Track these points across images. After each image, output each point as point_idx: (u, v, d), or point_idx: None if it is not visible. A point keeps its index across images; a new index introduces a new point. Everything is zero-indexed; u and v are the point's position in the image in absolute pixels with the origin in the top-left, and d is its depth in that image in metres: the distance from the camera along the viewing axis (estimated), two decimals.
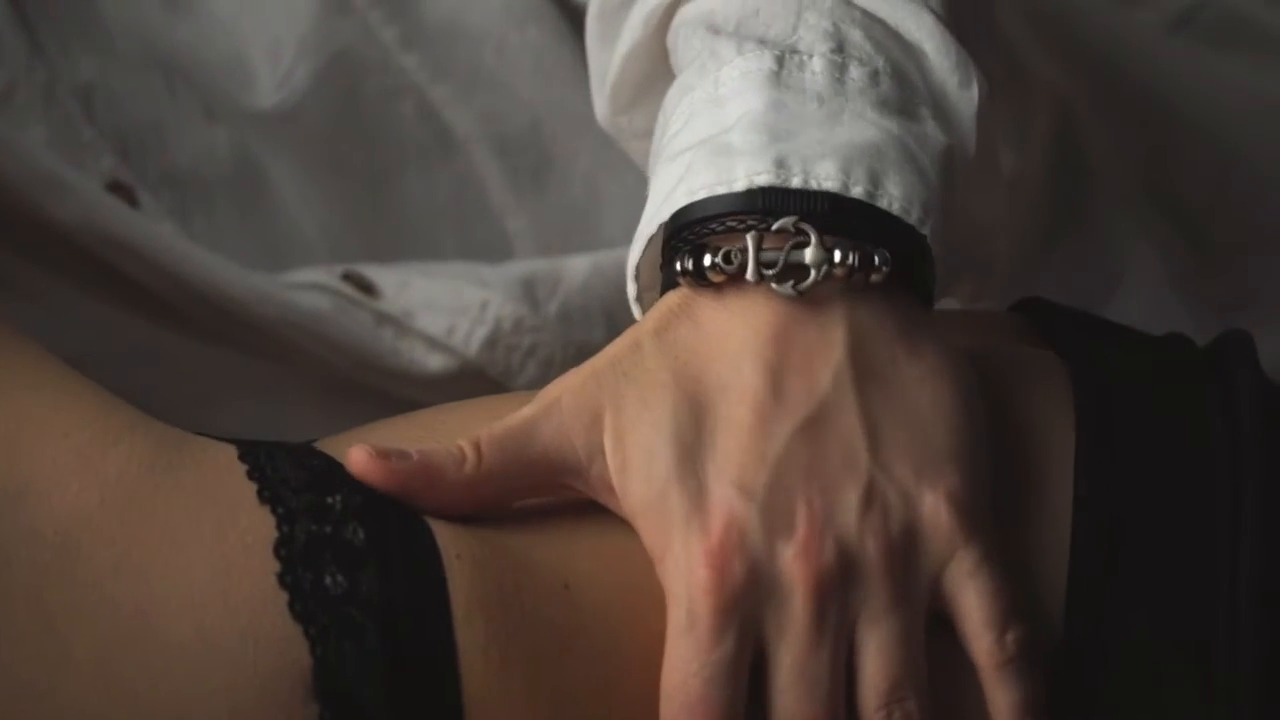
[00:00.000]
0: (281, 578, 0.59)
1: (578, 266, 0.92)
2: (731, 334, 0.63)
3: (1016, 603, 0.62)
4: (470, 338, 0.89)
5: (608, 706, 0.62)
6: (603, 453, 0.62)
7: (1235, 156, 1.02)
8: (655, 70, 0.74)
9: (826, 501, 0.61)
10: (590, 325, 0.91)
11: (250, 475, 0.61)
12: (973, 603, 0.61)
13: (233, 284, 0.85)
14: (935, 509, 0.61)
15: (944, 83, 0.68)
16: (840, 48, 0.67)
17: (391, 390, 0.88)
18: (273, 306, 0.86)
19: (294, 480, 0.61)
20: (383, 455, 0.61)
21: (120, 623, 0.57)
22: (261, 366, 0.87)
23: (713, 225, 0.63)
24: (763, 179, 0.63)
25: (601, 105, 0.78)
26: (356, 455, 0.62)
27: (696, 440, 0.61)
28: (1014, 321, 0.75)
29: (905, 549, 0.61)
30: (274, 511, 0.60)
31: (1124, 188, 1.02)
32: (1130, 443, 0.65)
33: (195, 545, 0.59)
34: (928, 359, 0.63)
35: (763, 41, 0.67)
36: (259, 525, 0.60)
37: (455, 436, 0.64)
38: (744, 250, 0.62)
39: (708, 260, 0.63)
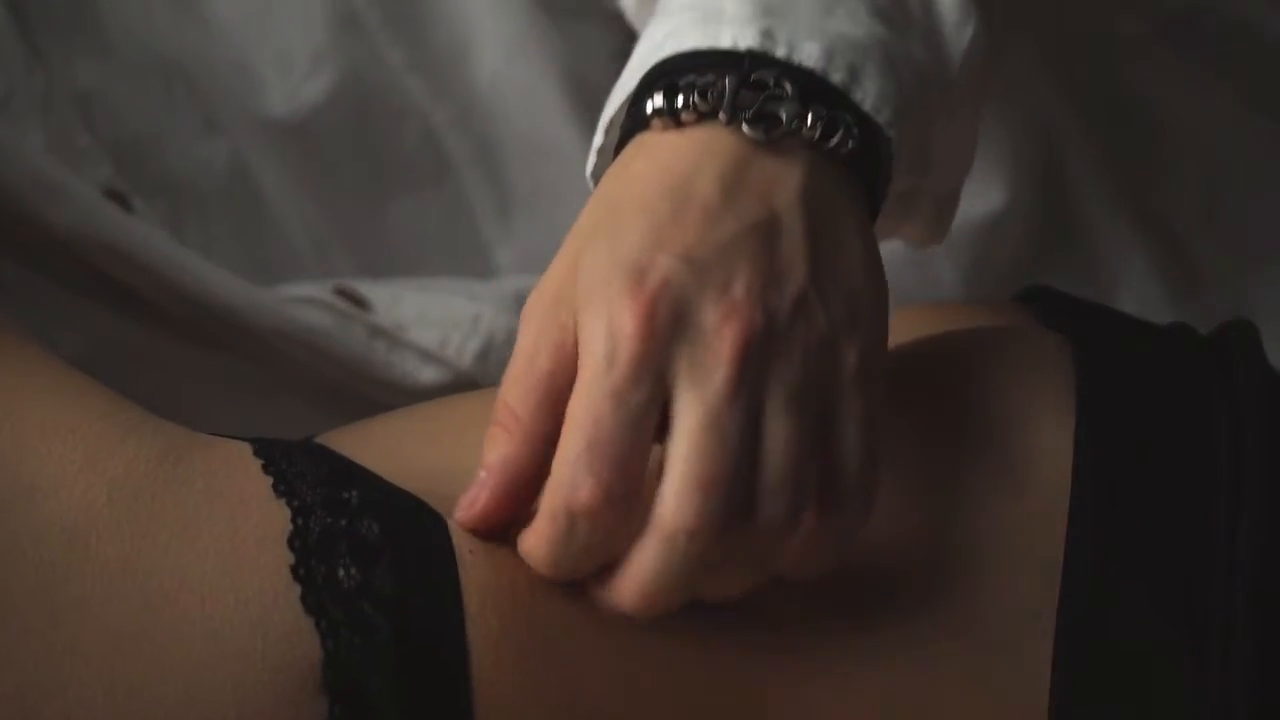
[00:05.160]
0: (295, 570, 0.59)
1: None
2: (689, 154, 0.63)
3: (878, 461, 0.62)
4: (463, 350, 0.89)
5: (625, 694, 0.62)
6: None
7: (1226, 171, 1.02)
8: None
9: (762, 287, 0.61)
10: None
11: (266, 470, 0.61)
12: (848, 452, 0.61)
13: (228, 293, 0.85)
14: (847, 348, 0.61)
15: (943, 14, 0.69)
16: None
17: (385, 400, 0.88)
18: (267, 317, 0.86)
19: (310, 475, 0.61)
20: (468, 503, 0.62)
21: (128, 618, 0.57)
22: (256, 372, 0.87)
23: (691, 75, 0.63)
24: (747, 43, 0.64)
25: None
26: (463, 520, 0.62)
27: (651, 222, 0.61)
28: (1018, 308, 0.76)
29: (818, 362, 0.61)
30: (289, 504, 0.60)
31: (1114, 207, 1.02)
32: (1131, 424, 0.66)
33: (206, 539, 0.59)
34: (866, 234, 0.64)
35: None
36: (273, 518, 0.60)
37: (457, 426, 0.64)
38: (721, 92, 0.63)
39: (681, 99, 0.63)
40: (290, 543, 0.59)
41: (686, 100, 0.62)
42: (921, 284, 0.99)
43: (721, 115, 0.62)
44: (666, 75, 0.64)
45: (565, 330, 0.61)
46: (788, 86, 0.63)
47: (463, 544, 0.62)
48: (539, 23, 0.93)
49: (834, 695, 0.63)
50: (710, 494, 0.58)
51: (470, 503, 0.62)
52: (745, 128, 0.62)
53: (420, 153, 0.95)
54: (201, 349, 0.86)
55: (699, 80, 0.63)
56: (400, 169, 0.95)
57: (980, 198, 0.98)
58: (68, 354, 0.70)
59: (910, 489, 0.65)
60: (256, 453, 0.62)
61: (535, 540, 0.60)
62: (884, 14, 0.67)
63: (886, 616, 0.64)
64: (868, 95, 0.64)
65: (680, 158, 0.62)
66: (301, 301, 0.87)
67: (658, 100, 0.63)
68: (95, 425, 0.60)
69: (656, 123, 0.63)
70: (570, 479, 0.59)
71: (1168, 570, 0.63)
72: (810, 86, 0.63)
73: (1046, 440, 0.65)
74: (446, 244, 0.96)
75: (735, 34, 0.64)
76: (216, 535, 0.59)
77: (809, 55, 0.64)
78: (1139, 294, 1.02)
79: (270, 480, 0.61)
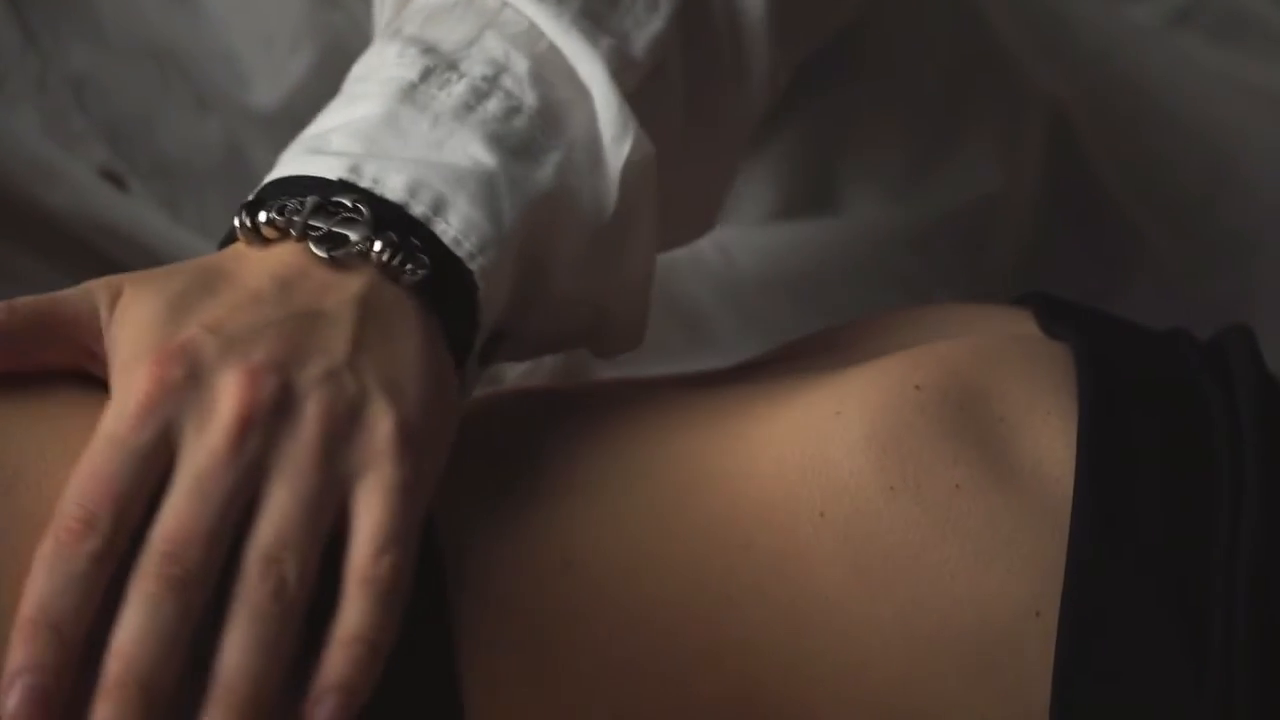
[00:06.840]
0: None
1: None
2: (262, 262, 0.63)
3: (410, 537, 0.60)
4: None
5: (614, 681, 0.62)
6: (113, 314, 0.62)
7: (1231, 155, 1.02)
8: None
9: (287, 357, 0.60)
10: None
11: None
12: (370, 516, 0.59)
13: None
14: (381, 416, 0.60)
15: (601, 133, 0.70)
16: (495, 77, 0.69)
17: None
18: None
19: None
20: None
21: None
22: None
23: (282, 198, 0.64)
24: (336, 175, 0.65)
25: None
26: None
27: (192, 304, 0.61)
28: (1017, 311, 0.76)
29: (342, 429, 0.60)
30: None
31: (1119, 191, 1.02)
32: (1131, 426, 0.66)
33: None
34: (429, 350, 0.64)
35: (430, 49, 0.69)
36: None
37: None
38: (299, 211, 0.63)
39: (263, 216, 0.64)
40: None
41: (268, 217, 0.63)
42: (923, 266, 0.98)
43: (293, 231, 0.63)
44: (261, 201, 0.65)
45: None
46: (364, 210, 0.63)
47: (449, 540, 0.62)
48: None
49: (832, 692, 0.63)
50: (180, 559, 0.57)
51: None
52: (311, 245, 0.63)
53: None
54: None
55: (286, 201, 0.64)
56: None
57: (980, 180, 0.98)
58: None
59: (916, 487, 0.65)
60: None
61: (28, 584, 0.57)
62: (511, 139, 0.68)
63: (888, 613, 0.63)
64: (450, 227, 0.65)
65: (251, 265, 0.63)
66: None
67: (244, 218, 0.64)
68: (76, 416, 0.60)
69: (242, 237, 0.64)
70: (59, 512, 0.57)
71: (1168, 571, 0.63)
72: (391, 218, 0.64)
73: (1049, 442, 0.65)
74: None
75: (324, 166, 0.65)
76: None
77: (392, 189, 0.65)
78: (1144, 279, 1.02)
79: None
